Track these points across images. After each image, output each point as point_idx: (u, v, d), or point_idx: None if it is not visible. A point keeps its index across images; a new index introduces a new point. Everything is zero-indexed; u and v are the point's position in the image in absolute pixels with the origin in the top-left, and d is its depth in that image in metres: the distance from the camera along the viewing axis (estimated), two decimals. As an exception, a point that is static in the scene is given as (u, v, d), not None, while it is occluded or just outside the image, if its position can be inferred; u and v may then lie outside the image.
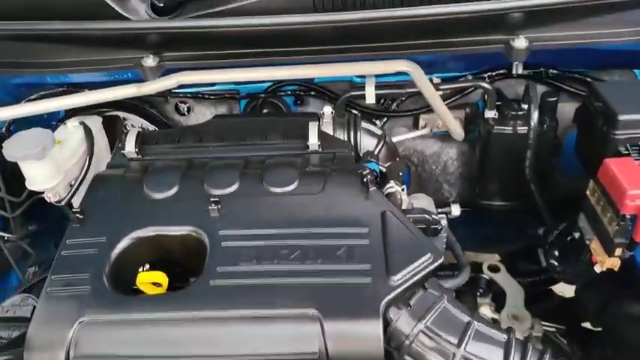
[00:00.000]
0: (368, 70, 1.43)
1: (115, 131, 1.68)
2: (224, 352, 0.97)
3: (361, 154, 1.40)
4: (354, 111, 1.68)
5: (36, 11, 1.31)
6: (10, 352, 1.09)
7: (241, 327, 0.98)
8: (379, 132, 1.49)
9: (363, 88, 1.52)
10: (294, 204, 1.17)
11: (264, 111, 1.70)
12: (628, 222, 1.08)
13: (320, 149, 1.31)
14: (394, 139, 1.70)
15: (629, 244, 1.11)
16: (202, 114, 1.76)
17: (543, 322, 1.67)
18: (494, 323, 1.49)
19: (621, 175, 1.09)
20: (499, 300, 1.66)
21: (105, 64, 1.40)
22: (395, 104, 1.72)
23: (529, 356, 0.98)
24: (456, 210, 1.66)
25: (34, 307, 1.09)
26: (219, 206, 1.14)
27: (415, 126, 1.76)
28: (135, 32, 1.32)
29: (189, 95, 1.72)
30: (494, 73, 1.63)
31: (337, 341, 0.96)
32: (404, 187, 1.36)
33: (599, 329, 1.49)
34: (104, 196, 1.24)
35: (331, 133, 1.42)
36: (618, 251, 1.12)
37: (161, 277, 1.09)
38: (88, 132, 1.52)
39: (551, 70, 1.62)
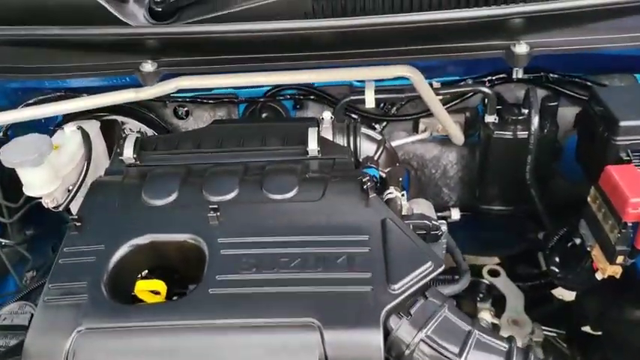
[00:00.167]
0: (368, 75, 1.43)
1: (113, 135, 1.67)
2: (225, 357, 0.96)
3: (361, 160, 1.40)
4: (354, 115, 1.68)
5: (34, 16, 1.30)
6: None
7: (241, 336, 0.97)
8: (379, 137, 1.49)
9: (362, 92, 1.52)
10: (293, 211, 1.16)
11: (263, 115, 1.70)
12: (630, 230, 1.08)
13: (319, 155, 1.30)
14: (394, 143, 1.69)
15: (630, 252, 1.10)
16: (201, 118, 1.75)
17: (543, 327, 1.66)
18: (495, 329, 1.49)
19: (623, 182, 1.09)
20: (499, 305, 1.66)
21: (103, 69, 1.40)
22: (395, 108, 1.72)
23: (530, 363, 0.97)
24: (455, 214, 1.65)
25: (32, 315, 1.08)
26: (218, 214, 1.13)
27: (415, 130, 1.76)
28: (133, 37, 1.32)
29: (187, 99, 1.71)
30: (494, 78, 1.63)
31: (337, 350, 0.95)
32: (404, 192, 1.35)
33: (599, 333, 1.49)
34: (102, 203, 1.23)
35: (331, 139, 1.41)
36: (620, 259, 1.12)
37: (160, 285, 1.09)
38: (86, 137, 1.51)
39: (551, 75, 1.61)
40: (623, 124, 1.23)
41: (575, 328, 1.66)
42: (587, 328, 1.60)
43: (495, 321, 1.54)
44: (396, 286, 1.01)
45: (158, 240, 1.13)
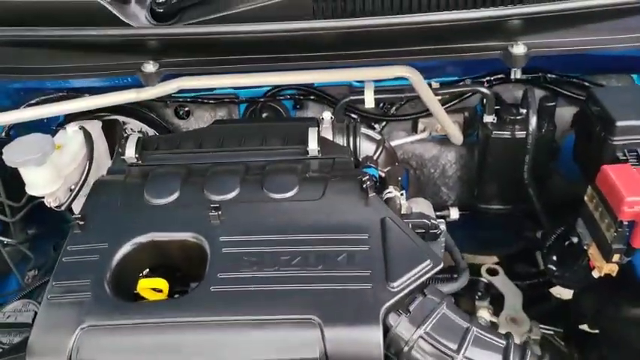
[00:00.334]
0: (367, 75, 1.44)
1: (114, 135, 1.68)
2: (225, 357, 0.97)
3: (360, 159, 1.41)
4: (354, 115, 1.70)
5: (37, 17, 1.31)
6: (11, 357, 1.09)
7: (242, 333, 0.98)
8: (378, 137, 1.50)
9: (362, 92, 1.53)
10: (294, 210, 1.18)
11: (264, 115, 1.71)
12: (626, 228, 1.09)
13: (319, 155, 1.32)
14: (393, 143, 1.70)
15: (626, 250, 1.12)
16: (202, 118, 1.77)
17: (541, 325, 1.68)
18: (493, 326, 1.50)
19: (619, 181, 1.10)
20: (497, 303, 1.67)
21: (105, 70, 1.41)
22: (394, 108, 1.73)
23: (528, 359, 0.98)
24: (454, 213, 1.66)
25: (36, 312, 1.10)
26: (220, 212, 1.14)
27: (414, 130, 1.77)
28: (135, 38, 1.33)
29: (188, 99, 1.72)
30: (492, 78, 1.64)
31: (337, 347, 0.96)
32: (403, 192, 1.36)
33: (597, 332, 1.50)
34: (105, 202, 1.24)
35: (330, 138, 1.43)
36: (616, 257, 1.13)
37: (162, 283, 1.10)
38: (88, 137, 1.52)
39: (549, 75, 1.63)
40: (619, 124, 1.24)
41: (573, 326, 1.67)
42: (585, 327, 1.62)
43: (494, 319, 1.55)
44: (395, 284, 1.02)
45: (160, 239, 1.15)
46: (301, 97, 1.72)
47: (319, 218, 1.15)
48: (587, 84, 1.61)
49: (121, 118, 1.72)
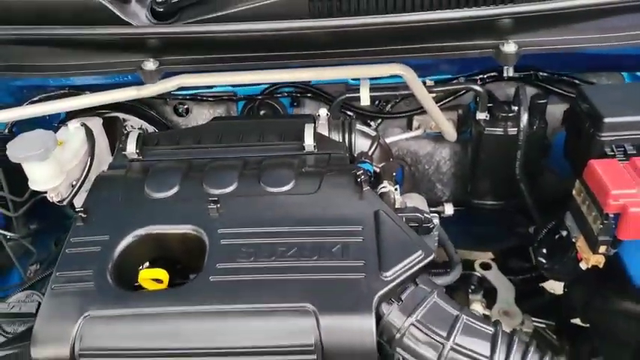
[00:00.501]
0: (362, 73, 1.47)
1: (115, 132, 1.71)
2: (224, 344, 1.00)
3: (355, 155, 1.44)
4: (350, 112, 1.73)
5: (40, 16, 1.34)
6: (16, 346, 1.13)
7: (240, 321, 1.01)
8: (373, 133, 1.53)
9: (358, 90, 1.56)
10: (290, 203, 1.21)
11: (262, 112, 1.74)
12: (611, 220, 1.12)
13: (315, 150, 1.35)
14: (388, 140, 1.74)
15: (612, 242, 1.15)
16: (201, 115, 1.80)
17: (533, 318, 1.71)
18: (486, 319, 1.53)
19: (605, 175, 1.14)
20: (490, 296, 1.70)
21: (106, 68, 1.43)
22: (389, 106, 1.76)
23: (514, 347, 1.02)
24: (449, 209, 1.70)
25: (39, 303, 1.13)
26: (218, 205, 1.17)
27: (409, 127, 1.80)
28: (135, 37, 1.36)
29: (187, 97, 1.75)
30: (485, 76, 1.67)
31: (332, 334, 1.00)
32: (397, 186, 1.40)
33: (588, 325, 1.54)
34: (107, 196, 1.28)
35: (326, 135, 1.46)
36: (602, 248, 1.16)
37: (162, 274, 1.13)
38: (89, 133, 1.55)
39: (540, 73, 1.67)
40: (607, 120, 1.27)
41: (564, 319, 1.71)
42: (577, 321, 1.65)
43: (486, 312, 1.58)
44: (388, 274, 1.05)
45: (160, 231, 1.18)
46: (298, 95, 1.75)
47: (315, 211, 1.19)
48: (577, 82, 1.64)
49: (121, 116, 1.75)
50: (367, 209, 1.18)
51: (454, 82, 1.67)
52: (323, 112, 1.50)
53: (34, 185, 1.43)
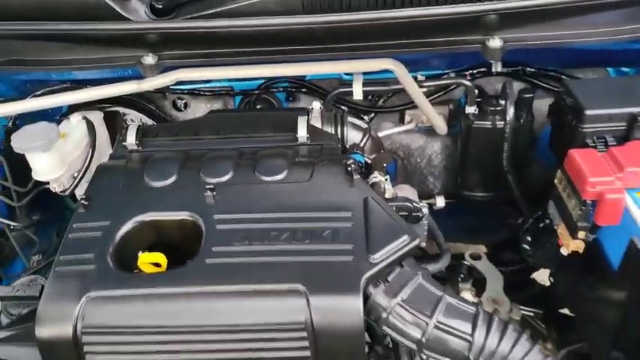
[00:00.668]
0: (354, 67, 1.52)
1: (115, 126, 1.76)
2: (219, 322, 1.05)
3: (347, 147, 1.49)
4: (343, 107, 1.78)
5: (43, 12, 1.39)
6: (21, 327, 1.18)
7: (235, 300, 1.06)
8: (364, 126, 1.59)
9: (351, 85, 1.61)
10: (283, 191, 1.26)
11: (258, 107, 1.79)
12: (589, 207, 1.17)
13: (308, 141, 1.40)
14: (381, 134, 1.79)
15: (591, 228, 1.20)
16: (198, 109, 1.84)
17: (522, 307, 1.77)
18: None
19: (584, 164, 1.19)
20: (480, 286, 1.75)
21: (107, 62, 1.48)
22: (382, 100, 1.81)
23: (494, 325, 1.07)
24: (440, 201, 1.76)
25: (42, 286, 1.17)
26: (214, 193, 1.22)
27: (401, 121, 1.85)
28: (135, 32, 1.40)
29: (186, 92, 1.80)
30: (475, 71, 1.72)
31: (322, 313, 1.04)
32: (387, 177, 1.45)
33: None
34: (107, 185, 1.32)
35: (319, 127, 1.51)
36: (581, 234, 1.21)
37: (160, 258, 1.17)
38: (91, 126, 1.60)
39: (528, 69, 1.71)
40: (588, 112, 1.32)
41: (552, 308, 1.76)
42: (566, 311, 1.70)
43: (475, 300, 1.63)
44: (376, 256, 1.10)
45: (159, 218, 1.23)
46: (294, 90, 1.79)
47: (307, 198, 1.23)
48: (564, 77, 1.69)
49: (121, 110, 1.80)
50: (357, 197, 1.23)
51: (444, 77, 1.72)
52: (316, 105, 1.54)
53: (37, 175, 1.48)
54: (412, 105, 1.75)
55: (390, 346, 1.28)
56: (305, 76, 1.77)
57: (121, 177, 1.34)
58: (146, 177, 1.31)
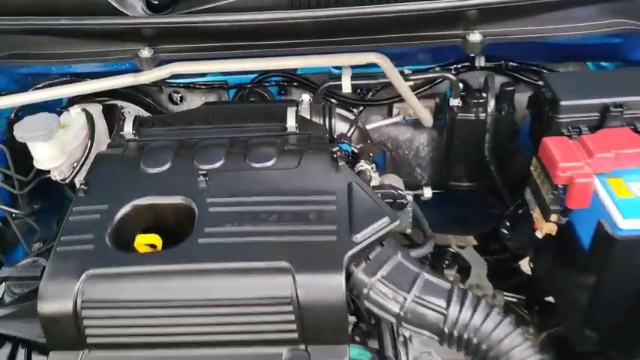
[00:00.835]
0: (341, 61, 1.59)
1: (113, 119, 1.82)
2: (210, 296, 1.12)
3: (335, 137, 1.56)
4: (333, 100, 1.85)
5: (44, 8, 1.45)
6: (24, 305, 1.24)
7: (225, 277, 1.13)
8: (352, 117, 1.65)
9: (340, 78, 1.68)
10: (272, 177, 1.32)
11: (251, 100, 1.86)
12: (560, 191, 1.24)
13: (297, 131, 1.46)
14: (370, 126, 1.86)
15: (562, 211, 1.27)
16: (194, 103, 1.91)
17: (505, 293, 1.84)
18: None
19: (556, 150, 1.25)
20: (464, 273, 1.83)
21: (105, 56, 1.53)
22: (370, 94, 1.88)
23: (468, 300, 1.14)
24: (427, 192, 1.83)
25: (44, 267, 1.23)
26: (207, 179, 1.29)
27: (389, 114, 1.91)
28: (132, 27, 1.47)
29: (181, 85, 1.87)
30: (459, 66, 1.79)
31: (307, 289, 1.10)
32: (373, 165, 1.52)
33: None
34: (106, 171, 1.39)
35: (308, 118, 1.57)
36: (554, 217, 1.28)
37: (156, 240, 1.24)
38: (90, 117, 1.67)
39: (510, 63, 1.78)
40: (563, 103, 1.38)
41: (533, 294, 1.83)
42: (550, 299, 1.77)
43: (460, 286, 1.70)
44: (358, 236, 1.16)
45: (154, 202, 1.29)
46: (285, 84, 1.86)
47: (294, 183, 1.30)
48: (544, 71, 1.76)
49: (119, 103, 1.87)
50: (341, 182, 1.30)
51: (429, 71, 1.78)
52: (305, 97, 1.61)
53: (38, 164, 1.54)
54: (399, 98, 1.82)
55: (373, 322, 1.34)
56: (296, 71, 1.83)
57: (119, 164, 1.40)
58: (142, 164, 1.38)
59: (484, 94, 1.70)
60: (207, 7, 1.46)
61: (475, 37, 1.44)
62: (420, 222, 1.54)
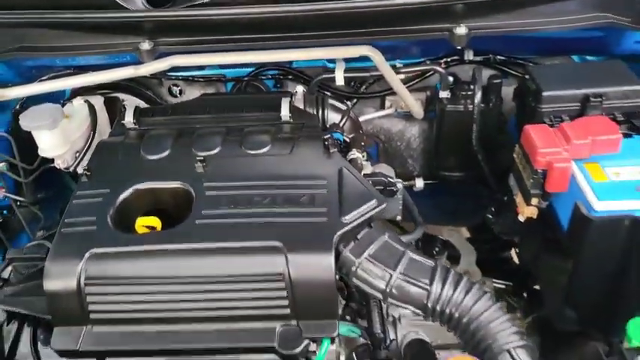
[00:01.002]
0: (335, 54, 1.65)
1: (115, 111, 1.87)
2: (207, 273, 1.18)
3: (328, 126, 1.62)
4: (328, 93, 1.91)
5: (48, 2, 1.51)
6: (31, 284, 1.30)
7: (221, 255, 1.19)
8: (344, 107, 1.72)
9: (334, 72, 1.74)
10: (266, 163, 1.39)
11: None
12: (540, 175, 1.30)
13: (291, 120, 1.53)
14: (363, 118, 1.92)
15: (542, 195, 1.33)
16: (192, 96, 1.95)
17: (494, 280, 1.90)
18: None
19: (536, 137, 1.32)
20: (454, 260, 1.88)
21: (106, 48, 1.59)
22: (364, 87, 1.94)
23: (450, 278, 1.20)
24: (419, 183, 1.89)
25: (49, 248, 1.29)
26: (204, 164, 1.36)
27: (382, 106, 1.98)
28: (133, 20, 1.53)
29: (180, 78, 1.93)
30: (449, 59, 1.85)
31: (298, 268, 1.17)
32: (364, 154, 1.58)
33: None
34: (108, 158, 1.46)
35: (302, 108, 1.64)
36: (534, 201, 1.34)
37: (156, 222, 1.31)
38: (92, 108, 1.74)
39: (498, 57, 1.84)
40: (545, 93, 1.45)
41: (520, 279, 1.89)
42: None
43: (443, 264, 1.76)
44: (347, 217, 1.23)
45: (154, 186, 1.35)
46: (281, 77, 1.92)
47: (287, 169, 1.36)
48: (531, 64, 1.82)
49: (120, 96, 1.93)
50: (332, 167, 1.36)
51: (420, 64, 1.84)
52: (299, 89, 1.68)
53: (43, 152, 1.61)
54: (392, 91, 1.88)
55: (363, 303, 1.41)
56: (292, 65, 1.90)
57: (120, 151, 1.47)
58: (143, 151, 1.44)
59: (472, 87, 1.76)
60: (205, 0, 1.52)
61: (461, 30, 1.50)
62: (410, 208, 1.60)
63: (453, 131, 1.83)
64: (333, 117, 1.68)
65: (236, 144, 1.44)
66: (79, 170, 1.65)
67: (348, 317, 1.38)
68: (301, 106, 1.64)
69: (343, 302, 1.43)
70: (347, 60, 1.76)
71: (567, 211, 1.30)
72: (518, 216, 1.42)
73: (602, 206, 1.22)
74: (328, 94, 1.88)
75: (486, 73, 1.83)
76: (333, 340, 1.20)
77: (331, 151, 1.39)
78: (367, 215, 1.25)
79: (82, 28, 1.58)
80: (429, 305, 1.19)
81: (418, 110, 1.87)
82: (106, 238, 1.24)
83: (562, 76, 1.53)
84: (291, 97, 1.60)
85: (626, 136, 1.37)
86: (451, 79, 1.81)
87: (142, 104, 1.93)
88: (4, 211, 1.84)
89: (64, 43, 1.60)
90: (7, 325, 1.34)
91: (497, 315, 1.16)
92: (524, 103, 1.57)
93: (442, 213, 2.16)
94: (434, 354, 1.38)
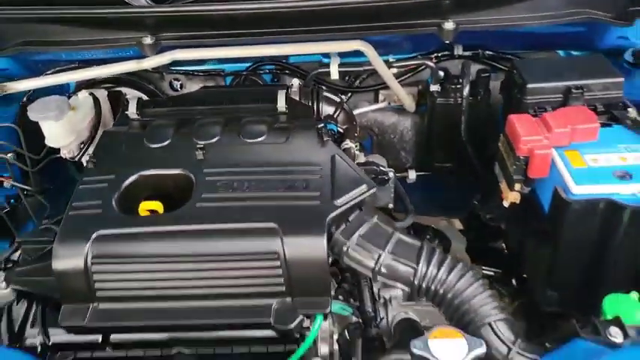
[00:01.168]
0: (329, 48, 1.72)
1: (118, 105, 1.94)
2: (207, 251, 1.25)
3: (322, 117, 1.70)
4: (323, 87, 1.98)
5: None
6: (40, 265, 1.37)
7: (220, 236, 1.26)
8: (338, 100, 1.79)
9: (329, 66, 1.82)
10: (263, 150, 1.46)
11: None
12: (523, 162, 1.38)
13: (286, 111, 1.60)
14: (357, 111, 1.99)
15: (525, 181, 1.41)
16: (193, 89, 2.03)
17: (483, 267, 1.96)
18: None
19: (519, 125, 1.39)
20: (444, 248, 1.95)
21: (110, 43, 1.66)
22: (358, 81, 2.01)
23: (435, 257, 1.27)
24: (412, 175, 1.97)
25: (56, 232, 1.36)
26: (204, 152, 1.43)
27: (375, 100, 2.05)
28: (136, 16, 1.60)
29: (181, 72, 2.00)
30: (440, 54, 1.93)
31: (292, 247, 1.23)
32: (357, 144, 1.65)
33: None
34: (112, 146, 1.53)
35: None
36: (517, 186, 1.42)
37: (158, 206, 1.37)
38: (97, 101, 1.81)
39: (486, 52, 1.92)
40: (530, 86, 1.52)
41: (509, 268, 1.96)
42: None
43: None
44: (339, 201, 1.30)
45: (157, 173, 1.42)
46: (278, 72, 2.00)
47: (283, 156, 1.44)
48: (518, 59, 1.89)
49: (123, 90, 2.00)
50: (325, 155, 1.43)
51: (412, 58, 1.92)
52: (295, 82, 1.75)
53: (49, 142, 1.68)
54: (385, 85, 1.95)
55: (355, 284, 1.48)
56: (288, 59, 1.97)
57: (124, 140, 1.54)
58: (146, 140, 1.52)
59: (461, 80, 1.83)
60: (205, -4, 1.59)
61: (449, 25, 1.57)
62: (402, 196, 1.67)
63: (443, 123, 1.91)
64: (327, 109, 1.75)
65: (234, 133, 1.51)
66: (84, 159, 1.73)
67: (340, 297, 1.45)
68: (297, 99, 1.71)
69: (335, 286, 1.50)
70: (341, 55, 1.83)
71: (548, 195, 1.37)
72: (502, 201, 1.49)
73: (579, 190, 1.29)
74: (324, 87, 1.96)
75: (476, 67, 1.91)
76: (326, 317, 1.27)
77: (325, 139, 1.46)
78: (358, 199, 1.32)
79: (87, 24, 1.65)
80: (416, 282, 1.26)
81: (410, 103, 1.94)
82: (111, 221, 1.30)
83: (546, 69, 1.60)
84: (287, 90, 1.66)
85: (606, 125, 1.45)
86: (442, 73, 1.89)
87: (144, 98, 2.00)
88: (12, 200, 1.89)
89: (70, 38, 1.67)
90: (17, 304, 1.41)
91: (480, 291, 1.23)
92: (510, 95, 1.64)
93: (434, 205, 2.23)
94: (422, 332, 1.45)
